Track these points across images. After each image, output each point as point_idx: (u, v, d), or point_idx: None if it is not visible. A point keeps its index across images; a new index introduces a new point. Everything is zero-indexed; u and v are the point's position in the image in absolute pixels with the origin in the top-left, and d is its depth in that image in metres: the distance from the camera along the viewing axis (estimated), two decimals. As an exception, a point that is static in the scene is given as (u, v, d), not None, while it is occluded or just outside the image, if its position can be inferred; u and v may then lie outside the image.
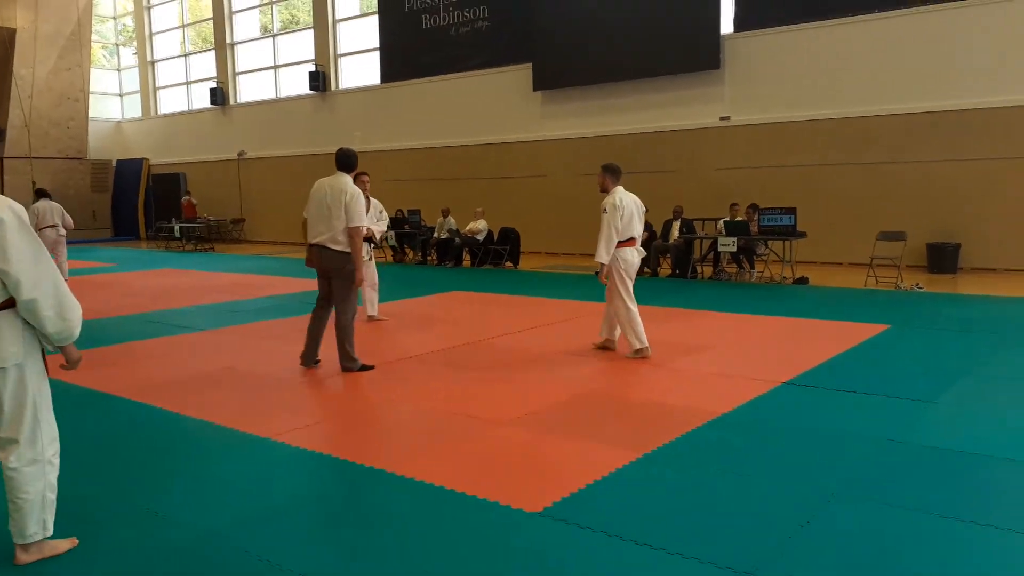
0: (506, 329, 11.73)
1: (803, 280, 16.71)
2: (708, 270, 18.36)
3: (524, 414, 7.55)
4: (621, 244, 9.60)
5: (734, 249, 17.10)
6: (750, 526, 5.20)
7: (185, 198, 33.52)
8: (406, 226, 23.05)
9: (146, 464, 6.52)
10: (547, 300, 14.41)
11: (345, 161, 9.06)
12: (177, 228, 30.97)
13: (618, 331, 10.04)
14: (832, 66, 19.67)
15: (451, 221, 22.25)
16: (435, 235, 22.06)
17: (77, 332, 4.75)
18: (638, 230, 9.69)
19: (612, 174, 9.63)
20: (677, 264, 18.08)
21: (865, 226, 19.23)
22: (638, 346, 9.60)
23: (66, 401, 8.36)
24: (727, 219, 17.88)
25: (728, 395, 7.98)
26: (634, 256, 9.66)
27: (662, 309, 13.18)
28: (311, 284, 17.42)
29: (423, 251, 22.49)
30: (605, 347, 10.10)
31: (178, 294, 16.30)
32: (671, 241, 18.56)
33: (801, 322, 11.89)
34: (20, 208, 4.68)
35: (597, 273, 10.02)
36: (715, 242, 17.54)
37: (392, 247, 22.99)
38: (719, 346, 10.30)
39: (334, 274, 9.12)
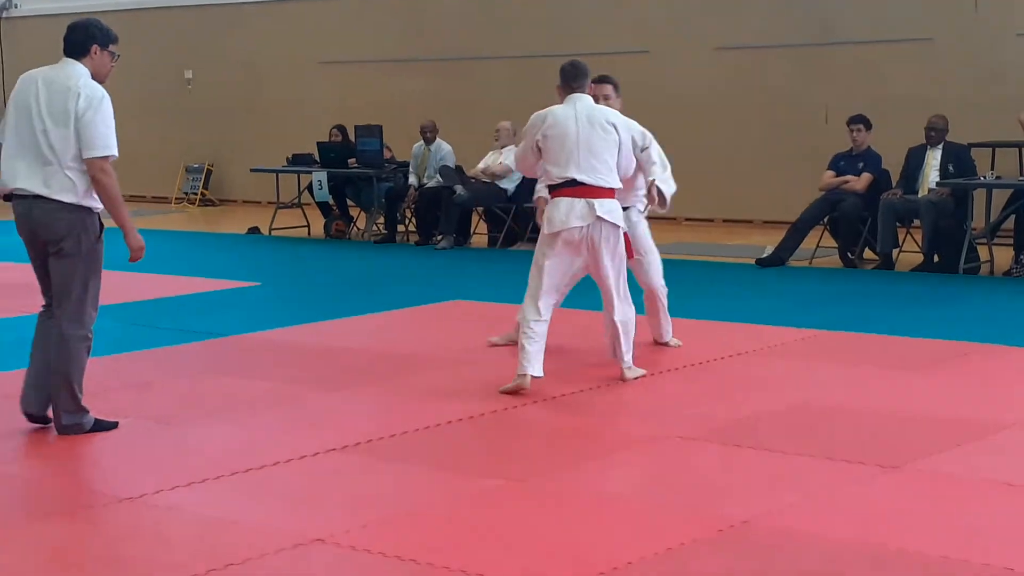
0: (561, 385, 7.43)
1: None
2: (1004, 254, 11.77)
3: None
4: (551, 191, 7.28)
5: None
6: None
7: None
8: (352, 162, 15.02)
9: None
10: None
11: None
12: None
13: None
14: None
15: (444, 149, 14.98)
16: (411, 181, 14.64)
17: None
18: (575, 167, 7.12)
19: (564, 81, 7.38)
20: (936, 241, 11.59)
21: None
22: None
23: None
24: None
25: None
26: (560, 213, 7.09)
27: (906, 340, 8.51)
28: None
29: (390, 215, 14.92)
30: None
31: None
32: (923, 194, 11.79)
33: None
34: None
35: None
36: (1019, 195, 11.39)
37: (323, 205, 15.52)
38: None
39: None
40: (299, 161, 15.50)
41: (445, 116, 15.64)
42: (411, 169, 14.44)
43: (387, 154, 15.11)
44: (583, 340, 8.25)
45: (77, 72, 5.65)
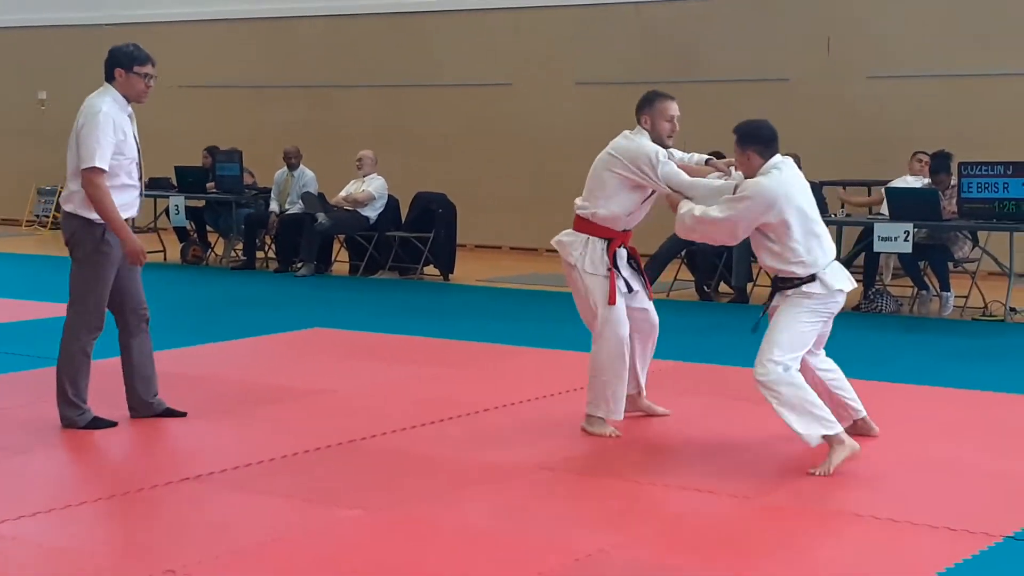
0: (421, 415, 7.22)
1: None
2: (854, 290, 11.79)
3: None
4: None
5: (908, 249, 10.84)
6: None
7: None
8: (211, 187, 14.55)
9: None
10: (522, 352, 9.34)
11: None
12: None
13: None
14: None
15: (307, 175, 14.66)
16: (273, 207, 14.24)
17: None
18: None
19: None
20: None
21: None
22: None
23: None
24: (897, 184, 11.74)
25: (894, 563, 4.80)
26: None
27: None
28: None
29: (249, 241, 14.46)
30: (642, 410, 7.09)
31: None
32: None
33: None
34: None
35: None
36: (868, 233, 11.20)
37: (180, 230, 15.16)
38: (872, 459, 6.28)
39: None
40: (156, 185, 15.02)
41: (309, 143, 15.46)
42: (273, 195, 14.16)
43: (249, 179, 14.71)
44: (451, 370, 8.19)
45: (98, 95, 6.13)
